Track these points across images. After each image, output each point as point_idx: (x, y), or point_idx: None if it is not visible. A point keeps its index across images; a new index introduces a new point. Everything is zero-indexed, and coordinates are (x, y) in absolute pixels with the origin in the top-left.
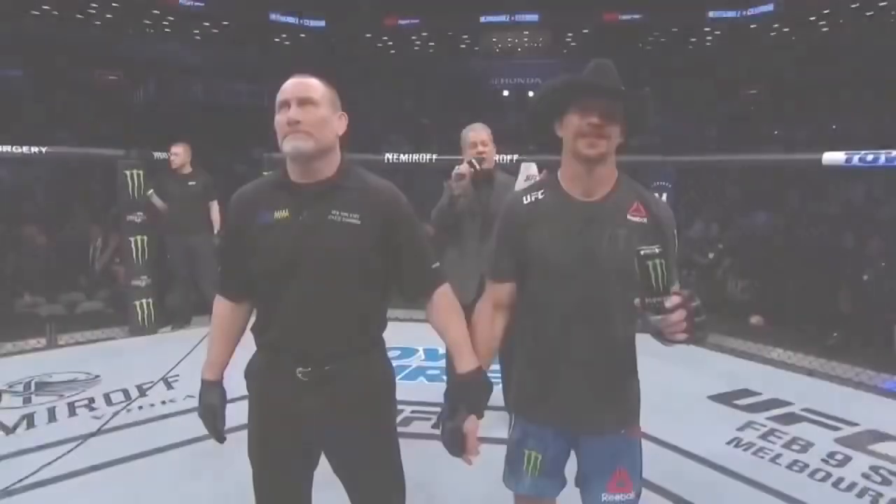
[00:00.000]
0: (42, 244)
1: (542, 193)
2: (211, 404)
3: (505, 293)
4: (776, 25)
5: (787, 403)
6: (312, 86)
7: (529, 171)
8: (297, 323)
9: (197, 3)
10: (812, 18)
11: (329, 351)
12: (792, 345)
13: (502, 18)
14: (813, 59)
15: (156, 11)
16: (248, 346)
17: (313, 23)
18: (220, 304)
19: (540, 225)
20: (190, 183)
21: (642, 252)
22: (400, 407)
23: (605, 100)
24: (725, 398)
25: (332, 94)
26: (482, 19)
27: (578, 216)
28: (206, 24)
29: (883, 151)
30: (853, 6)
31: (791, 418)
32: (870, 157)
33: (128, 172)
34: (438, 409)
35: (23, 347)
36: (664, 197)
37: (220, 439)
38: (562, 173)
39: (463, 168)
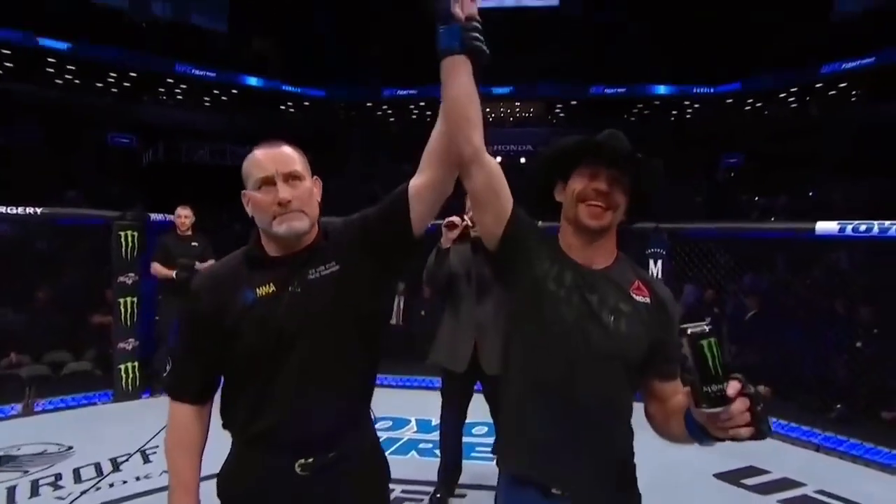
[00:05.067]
0: (42, 301)
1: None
2: None
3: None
4: (750, 100)
5: (800, 484)
6: (292, 157)
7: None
8: (296, 405)
9: (209, 73)
10: (782, 95)
11: (333, 432)
12: (796, 417)
13: (504, 91)
14: (785, 131)
15: (170, 80)
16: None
17: (314, 92)
18: (181, 411)
19: (548, 256)
20: (193, 244)
21: (690, 331)
22: (390, 486)
23: (614, 168)
24: (732, 476)
25: (305, 159)
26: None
27: (579, 278)
28: (216, 91)
29: (876, 222)
30: (818, 86)
31: (805, 503)
32: (863, 228)
33: (122, 233)
34: (430, 489)
35: None
36: (659, 264)
37: None
38: (560, 239)
39: (455, 218)
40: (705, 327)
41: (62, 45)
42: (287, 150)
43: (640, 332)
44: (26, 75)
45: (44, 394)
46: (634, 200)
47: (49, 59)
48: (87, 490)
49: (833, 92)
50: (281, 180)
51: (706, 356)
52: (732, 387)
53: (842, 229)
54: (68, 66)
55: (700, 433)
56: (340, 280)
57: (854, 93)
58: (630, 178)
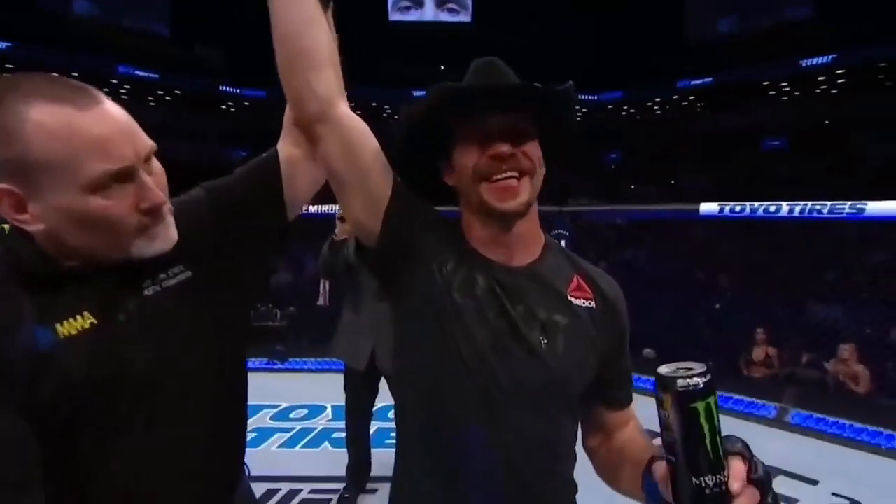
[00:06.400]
0: None
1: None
2: None
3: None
4: (626, 107)
5: None
6: (132, 122)
7: None
8: (146, 491)
9: (151, 74)
10: (649, 104)
11: None
12: None
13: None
14: (652, 133)
15: (113, 81)
16: None
17: (253, 93)
18: None
19: (451, 255)
20: None
21: (679, 385)
22: (296, 486)
23: (512, 112)
24: None
25: None
26: (416, 93)
27: (495, 282)
28: (160, 92)
29: (748, 203)
30: (674, 97)
31: None
32: (738, 209)
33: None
34: (340, 487)
35: None
36: (563, 244)
37: None
38: (466, 232)
39: None
40: (699, 380)
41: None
42: (117, 107)
43: (584, 352)
44: None
45: None
46: (548, 142)
47: None
48: None
49: (685, 103)
50: (142, 168)
51: (702, 429)
52: (736, 476)
53: (721, 209)
54: (7, 66)
55: None
56: (196, 290)
57: (699, 104)
58: (535, 116)
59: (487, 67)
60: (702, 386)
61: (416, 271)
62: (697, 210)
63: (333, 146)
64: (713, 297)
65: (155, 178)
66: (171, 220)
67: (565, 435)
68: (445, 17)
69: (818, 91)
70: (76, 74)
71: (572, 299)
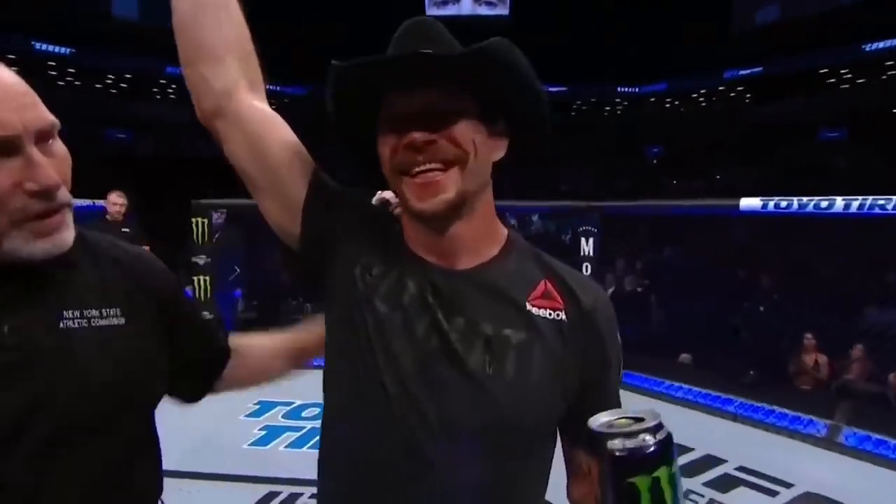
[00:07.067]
0: None
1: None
2: None
3: None
4: (668, 99)
5: (721, 461)
6: (28, 90)
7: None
8: None
9: None
10: (694, 95)
11: None
12: (712, 384)
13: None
14: (698, 125)
15: (162, 81)
16: None
17: (292, 90)
18: None
19: (379, 257)
20: (124, 230)
21: (612, 448)
22: (297, 489)
23: (433, 87)
24: None
25: None
26: None
27: (430, 289)
28: None
29: (795, 198)
30: (720, 88)
31: (728, 482)
32: (783, 204)
33: None
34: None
35: None
36: (590, 243)
37: None
38: (405, 231)
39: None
40: (647, 438)
41: (63, 50)
42: (9, 72)
43: (545, 376)
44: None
45: None
46: (512, 113)
47: (50, 63)
48: None
49: (733, 94)
50: (30, 142)
51: None
52: None
53: (764, 205)
54: (69, 70)
55: None
56: (125, 341)
57: (747, 95)
58: (475, 86)
59: (409, 32)
60: (651, 448)
61: (336, 276)
62: (737, 206)
63: (237, 144)
64: (756, 299)
65: (53, 161)
66: (68, 218)
67: (520, 486)
68: (483, 10)
69: (884, 77)
70: (129, 76)
71: (532, 308)
